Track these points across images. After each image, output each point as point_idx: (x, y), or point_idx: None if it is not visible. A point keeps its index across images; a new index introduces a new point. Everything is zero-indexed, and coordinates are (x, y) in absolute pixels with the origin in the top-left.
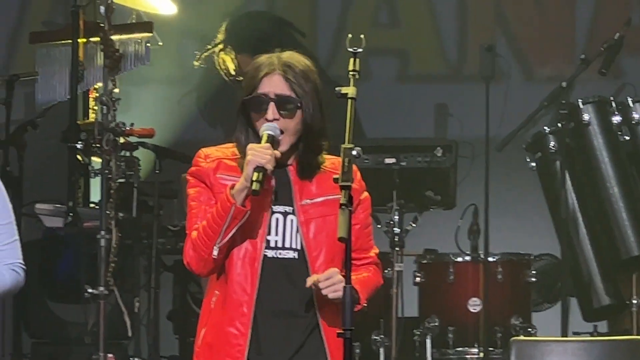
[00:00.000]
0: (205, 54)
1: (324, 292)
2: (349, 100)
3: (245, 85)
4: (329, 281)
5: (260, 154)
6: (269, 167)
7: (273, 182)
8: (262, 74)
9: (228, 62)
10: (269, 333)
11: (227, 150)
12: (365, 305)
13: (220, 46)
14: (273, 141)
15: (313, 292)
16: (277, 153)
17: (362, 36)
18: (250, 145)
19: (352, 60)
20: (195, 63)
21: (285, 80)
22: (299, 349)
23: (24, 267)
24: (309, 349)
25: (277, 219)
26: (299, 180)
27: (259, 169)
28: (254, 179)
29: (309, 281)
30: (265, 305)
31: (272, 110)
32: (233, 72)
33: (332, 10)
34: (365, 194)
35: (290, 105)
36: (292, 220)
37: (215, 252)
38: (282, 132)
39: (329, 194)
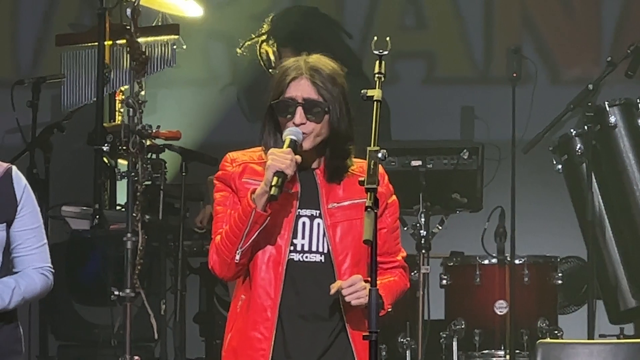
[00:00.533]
0: (249, 42)
1: (347, 299)
2: (375, 103)
3: (272, 89)
4: (352, 288)
5: (280, 158)
6: (289, 172)
7: (299, 185)
8: (290, 78)
9: (270, 53)
10: (296, 336)
11: (254, 154)
12: (390, 309)
13: (264, 37)
14: (295, 146)
15: (339, 296)
16: (298, 158)
17: (387, 39)
18: (271, 150)
19: (377, 62)
20: (238, 50)
21: (313, 84)
22: (326, 351)
23: (52, 270)
24: (336, 352)
25: (303, 223)
26: (326, 183)
27: (278, 173)
28: (273, 183)
29: (333, 288)
30: (291, 308)
31: (299, 115)
32: (274, 65)
33: (358, 12)
34: (393, 197)
35: (318, 109)
36: (318, 224)
37: (237, 257)
38: (306, 134)
39: (355, 198)
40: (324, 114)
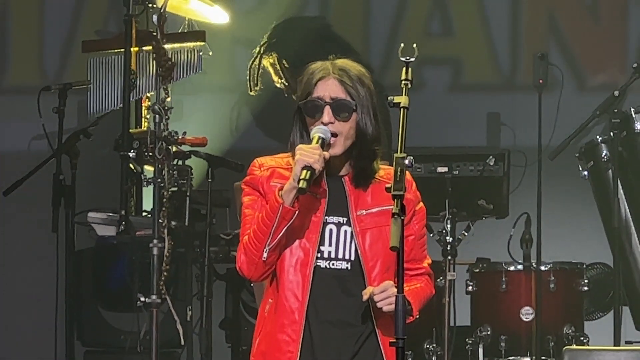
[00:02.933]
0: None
1: (379, 304)
2: (401, 110)
3: (300, 90)
4: (384, 294)
5: (309, 153)
6: (317, 166)
7: (327, 192)
8: (317, 78)
9: (267, 65)
10: (323, 340)
11: (282, 159)
12: (418, 316)
13: (264, 47)
14: (323, 144)
15: (369, 302)
16: (327, 154)
17: (414, 45)
18: (299, 145)
19: (404, 69)
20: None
21: (341, 83)
22: (354, 356)
23: None
24: (364, 357)
25: (330, 230)
26: (354, 190)
27: (307, 167)
28: (302, 177)
29: (365, 295)
30: (319, 314)
31: (327, 114)
32: (275, 78)
33: (384, 19)
34: (421, 204)
35: (346, 108)
36: (345, 231)
37: (265, 255)
38: (336, 135)
39: (384, 205)
40: (352, 113)
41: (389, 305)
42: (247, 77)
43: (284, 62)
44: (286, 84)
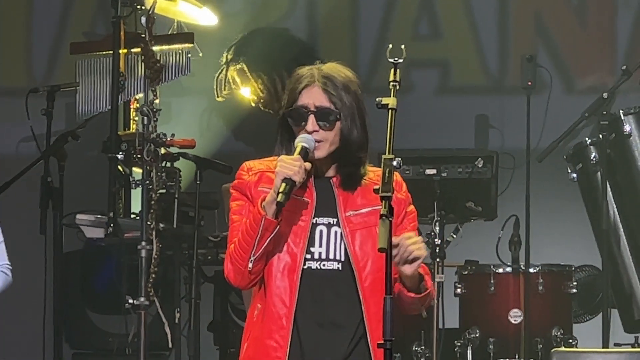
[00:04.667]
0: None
1: (415, 253)
2: (390, 111)
3: (285, 98)
4: (411, 240)
5: (288, 165)
6: (297, 179)
7: (315, 193)
8: (302, 86)
9: (233, 74)
10: (313, 344)
11: (271, 163)
12: (430, 291)
13: (230, 57)
14: (306, 153)
15: (360, 302)
16: (308, 165)
17: (402, 47)
18: (280, 157)
19: (392, 70)
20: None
21: (325, 91)
22: (345, 359)
23: (10, 267)
24: (356, 359)
25: (320, 231)
26: (343, 191)
27: (286, 180)
28: (280, 190)
29: (395, 240)
30: (308, 317)
31: (311, 122)
32: (234, 87)
33: (372, 21)
34: (412, 206)
35: (330, 117)
36: (336, 232)
37: (250, 265)
38: (320, 141)
39: (373, 205)
40: (335, 122)
41: (420, 251)
42: (215, 86)
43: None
44: (259, 93)
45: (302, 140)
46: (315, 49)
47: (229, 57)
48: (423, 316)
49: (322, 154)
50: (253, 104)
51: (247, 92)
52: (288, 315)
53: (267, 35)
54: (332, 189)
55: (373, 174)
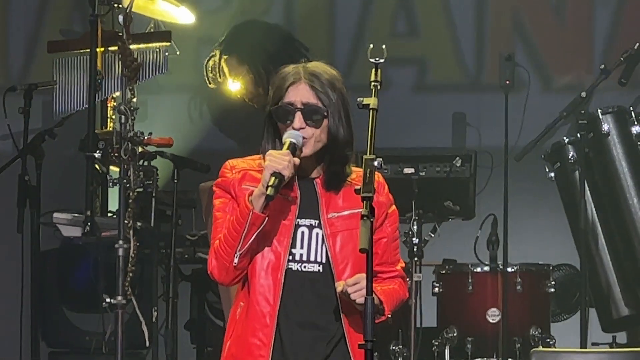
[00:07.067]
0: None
1: (352, 296)
2: (371, 111)
3: (271, 95)
4: (357, 286)
5: (278, 159)
6: (286, 173)
7: (299, 194)
8: (288, 83)
9: (223, 64)
10: (295, 344)
11: (254, 162)
12: (389, 316)
13: (220, 48)
14: (294, 149)
15: (339, 304)
16: (297, 160)
17: (383, 47)
18: (269, 152)
19: (373, 70)
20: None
21: (311, 88)
22: (325, 359)
23: None
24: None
25: (302, 232)
26: (326, 193)
27: (275, 174)
28: (270, 183)
29: (339, 287)
30: (289, 317)
31: (298, 119)
32: (222, 77)
33: (349, 19)
34: (393, 207)
35: (317, 114)
36: (317, 234)
37: (236, 260)
38: (306, 139)
39: (355, 208)
40: (323, 119)
41: (362, 298)
42: (205, 73)
43: (244, 64)
44: (248, 86)
45: (290, 136)
46: (318, 38)
47: (220, 46)
48: (389, 322)
49: (309, 151)
50: (239, 96)
51: (236, 87)
52: (272, 313)
53: (259, 28)
54: (315, 190)
55: (356, 174)
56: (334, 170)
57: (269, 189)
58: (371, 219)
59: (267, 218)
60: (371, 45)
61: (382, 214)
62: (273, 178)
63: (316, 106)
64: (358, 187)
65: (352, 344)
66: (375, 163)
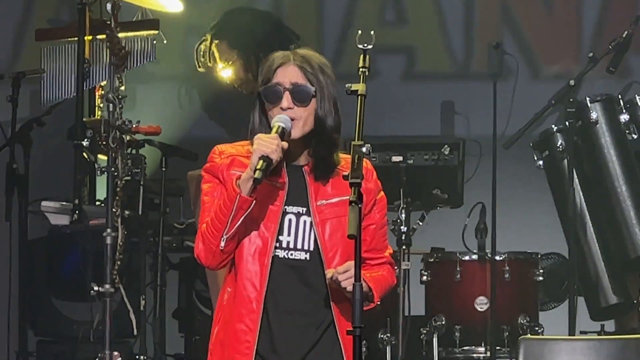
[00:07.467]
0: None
1: (343, 284)
2: (359, 97)
3: (261, 78)
4: (347, 274)
5: (266, 143)
6: (274, 156)
7: (287, 181)
8: (277, 64)
9: (214, 49)
10: (282, 331)
11: (242, 147)
12: (379, 303)
13: (212, 33)
14: (283, 133)
15: (328, 292)
16: (285, 144)
17: (372, 32)
18: (258, 135)
19: (362, 56)
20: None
21: (300, 69)
22: (314, 346)
23: None
24: (324, 347)
25: (289, 220)
26: (314, 180)
27: (263, 157)
28: (257, 167)
29: (328, 274)
30: (277, 304)
31: (286, 99)
32: (211, 62)
33: (338, 8)
34: (382, 194)
35: (305, 94)
36: (305, 222)
37: (222, 244)
38: (294, 120)
39: (344, 195)
40: (311, 99)
41: (349, 285)
42: (195, 57)
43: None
44: (239, 72)
45: (279, 121)
46: (307, 26)
47: (212, 31)
48: (377, 309)
49: (297, 133)
50: (228, 82)
51: (227, 73)
52: (258, 299)
53: (250, 14)
54: (304, 177)
55: (345, 162)
56: (322, 156)
57: (257, 172)
58: (359, 205)
59: (254, 202)
60: (359, 32)
61: (370, 200)
62: (261, 161)
63: (305, 86)
64: (346, 173)
65: (341, 331)
66: (364, 149)
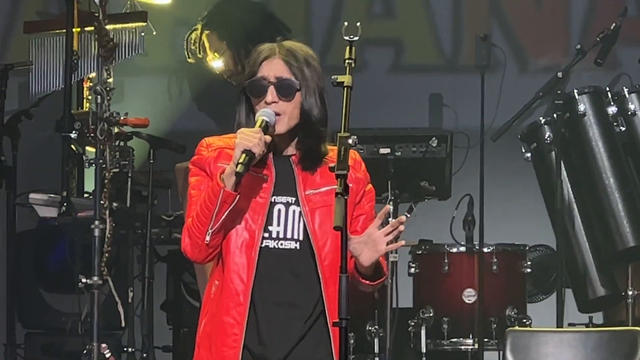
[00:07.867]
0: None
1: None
2: (345, 89)
3: (246, 71)
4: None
5: (249, 137)
6: (256, 150)
7: (274, 172)
8: (262, 57)
9: (204, 39)
10: (270, 323)
11: (230, 140)
12: (387, 277)
13: (201, 24)
14: (267, 127)
15: (319, 281)
16: (268, 138)
17: (358, 24)
18: (241, 129)
19: (348, 48)
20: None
21: (285, 63)
22: (302, 338)
23: None
24: (312, 340)
25: (279, 210)
26: (302, 170)
27: (246, 151)
28: (240, 161)
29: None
30: (265, 295)
31: (271, 93)
32: (202, 53)
33: (326, 0)
34: (370, 186)
35: (290, 88)
36: (294, 211)
37: (207, 238)
38: (279, 114)
39: (333, 184)
40: (295, 93)
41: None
42: (185, 47)
43: (224, 40)
44: (229, 63)
45: (263, 114)
46: (295, 19)
47: (203, 21)
48: (375, 297)
49: (282, 128)
50: (218, 72)
51: (218, 64)
52: (245, 291)
53: (241, 6)
54: (292, 167)
55: (333, 152)
56: (308, 146)
57: (239, 166)
58: (345, 197)
59: (238, 196)
60: (345, 23)
61: (360, 190)
62: (243, 155)
63: (289, 80)
64: (332, 164)
65: (332, 322)
66: (350, 141)
